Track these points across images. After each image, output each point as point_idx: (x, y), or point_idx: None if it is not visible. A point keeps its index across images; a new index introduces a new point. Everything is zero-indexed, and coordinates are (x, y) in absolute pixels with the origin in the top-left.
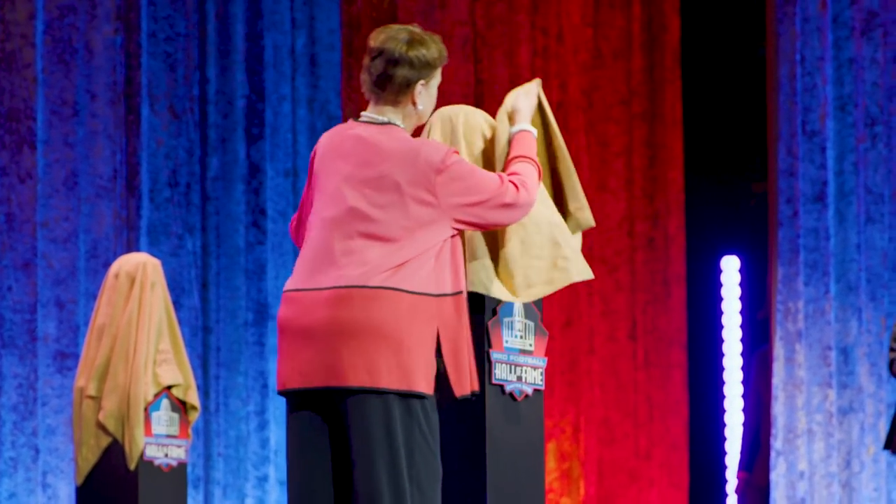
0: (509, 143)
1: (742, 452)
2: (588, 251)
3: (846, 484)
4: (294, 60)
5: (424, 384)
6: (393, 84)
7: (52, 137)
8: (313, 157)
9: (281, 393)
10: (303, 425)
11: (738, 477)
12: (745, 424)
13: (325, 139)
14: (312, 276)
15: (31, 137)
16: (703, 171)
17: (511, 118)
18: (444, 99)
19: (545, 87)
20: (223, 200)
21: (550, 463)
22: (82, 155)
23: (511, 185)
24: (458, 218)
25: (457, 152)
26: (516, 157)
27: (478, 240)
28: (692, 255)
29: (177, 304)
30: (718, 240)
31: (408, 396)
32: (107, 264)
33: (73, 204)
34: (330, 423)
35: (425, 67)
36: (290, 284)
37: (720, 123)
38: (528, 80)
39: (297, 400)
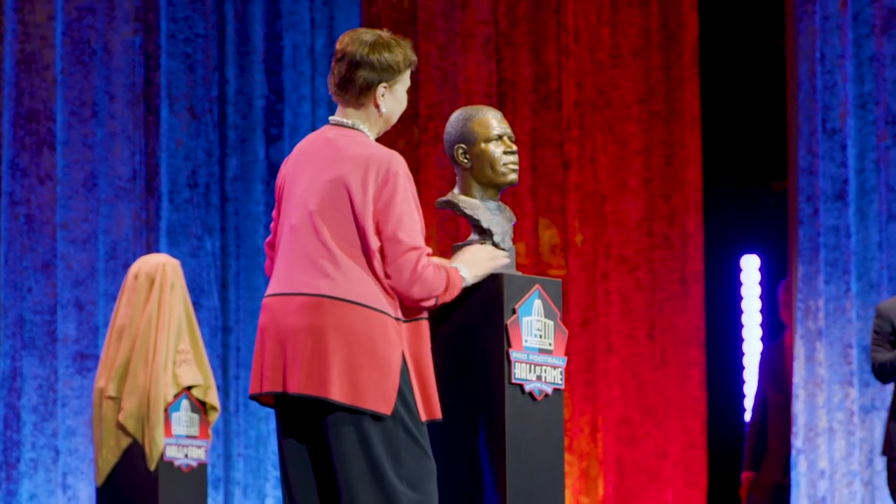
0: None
1: (746, 452)
2: (607, 250)
3: (868, 482)
4: (314, 61)
5: (389, 405)
6: (354, 86)
7: (72, 138)
8: (281, 172)
9: (253, 397)
10: (286, 428)
11: (743, 477)
12: (750, 423)
13: (297, 147)
14: (285, 282)
15: (51, 138)
16: (722, 169)
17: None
18: (465, 99)
19: (566, 86)
20: (242, 201)
21: (573, 462)
22: (101, 156)
23: (432, 266)
24: (377, 230)
25: (410, 179)
26: (453, 267)
27: None
28: (712, 254)
29: (196, 305)
30: (738, 239)
31: (383, 415)
32: (126, 265)
33: (92, 205)
34: (309, 427)
35: (387, 71)
36: (267, 291)
37: (740, 122)
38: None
39: (277, 402)
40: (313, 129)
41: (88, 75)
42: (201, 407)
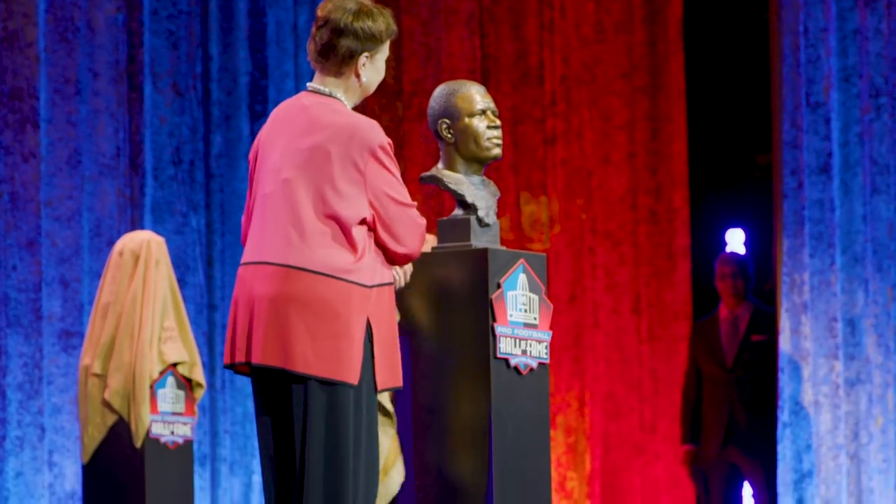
0: None
1: (683, 426)
2: (592, 224)
3: (854, 455)
4: (297, 37)
5: (354, 375)
6: (336, 54)
7: (55, 116)
8: (255, 140)
9: (227, 366)
10: (259, 396)
11: (682, 451)
12: (684, 397)
13: (273, 114)
14: (255, 250)
15: (34, 116)
16: (706, 143)
17: None
18: (448, 74)
19: (549, 62)
20: (227, 178)
21: (559, 437)
22: (85, 133)
23: (421, 219)
24: (371, 201)
25: (392, 147)
26: None
27: None
28: (696, 228)
29: (182, 282)
30: (723, 212)
31: (346, 385)
32: (111, 243)
33: (76, 182)
34: (279, 395)
35: (370, 39)
36: (241, 259)
37: (724, 96)
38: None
39: (251, 371)
40: None
41: (72, 53)
42: (187, 384)
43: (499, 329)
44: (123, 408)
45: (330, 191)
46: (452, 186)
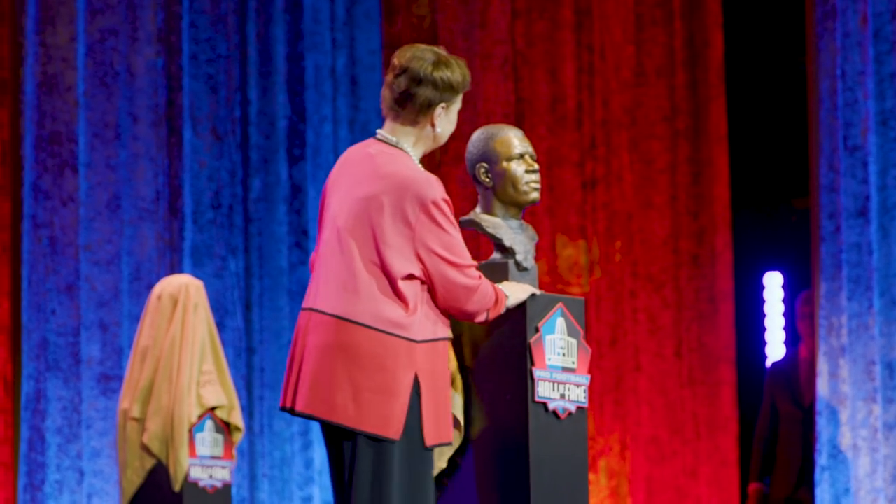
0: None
1: (753, 463)
2: (633, 268)
3: (893, 499)
4: (335, 81)
5: (396, 430)
6: (414, 103)
7: (95, 160)
8: (326, 183)
9: (281, 409)
10: (324, 437)
11: (749, 489)
12: (758, 434)
13: (342, 157)
14: (312, 296)
15: (74, 161)
16: (744, 187)
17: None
18: (484, 118)
19: (588, 105)
20: (266, 221)
21: (602, 481)
22: (125, 178)
23: (483, 279)
24: (420, 257)
25: (449, 204)
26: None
27: None
28: (735, 271)
29: (220, 326)
30: (761, 256)
31: (391, 441)
32: (150, 286)
33: (115, 226)
34: (334, 443)
35: (448, 90)
36: (302, 304)
37: (761, 139)
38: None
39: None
40: (335, 149)
41: (111, 97)
42: (225, 427)
43: (537, 373)
44: (162, 452)
45: (379, 242)
46: (490, 230)
